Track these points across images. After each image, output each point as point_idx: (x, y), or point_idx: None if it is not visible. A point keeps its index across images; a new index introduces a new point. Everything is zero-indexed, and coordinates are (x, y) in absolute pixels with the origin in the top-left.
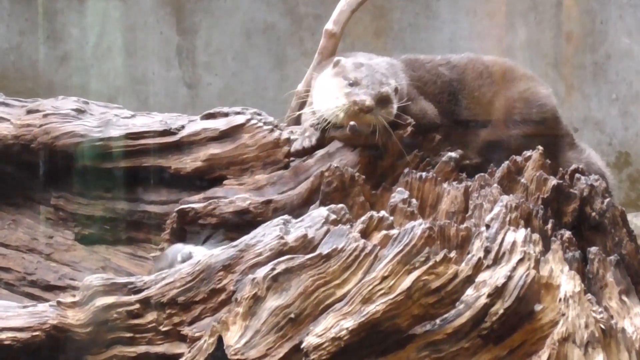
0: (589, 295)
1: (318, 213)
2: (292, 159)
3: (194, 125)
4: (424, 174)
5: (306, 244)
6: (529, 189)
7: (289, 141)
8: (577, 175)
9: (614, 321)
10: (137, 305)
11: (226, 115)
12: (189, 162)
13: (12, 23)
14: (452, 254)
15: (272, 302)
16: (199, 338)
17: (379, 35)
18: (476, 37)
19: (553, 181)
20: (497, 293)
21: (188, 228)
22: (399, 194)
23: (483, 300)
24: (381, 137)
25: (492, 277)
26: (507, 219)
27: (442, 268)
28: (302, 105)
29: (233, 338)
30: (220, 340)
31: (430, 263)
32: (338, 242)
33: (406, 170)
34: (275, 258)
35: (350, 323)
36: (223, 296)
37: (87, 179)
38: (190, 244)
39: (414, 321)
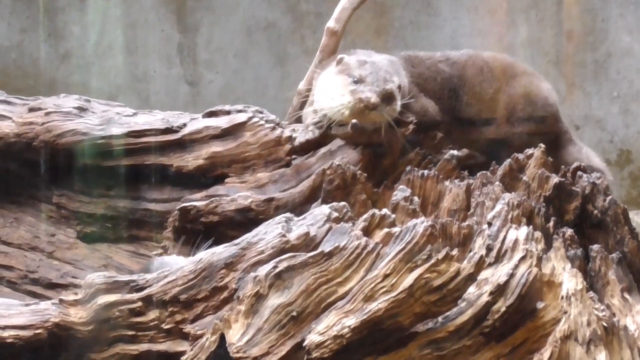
0: (591, 293)
1: (320, 211)
2: (294, 157)
3: (196, 123)
4: (425, 171)
5: (308, 242)
6: (531, 186)
7: (290, 139)
8: (579, 173)
9: (616, 319)
10: (139, 303)
11: (228, 113)
12: (191, 160)
13: (13, 21)
14: (454, 252)
15: (274, 300)
16: (201, 336)
17: (380, 33)
18: (477, 34)
19: (555, 179)
20: (499, 291)
21: (189, 226)
22: (400, 192)
23: (485, 298)
24: (386, 134)
25: (494, 275)
26: (509, 216)
27: (444, 266)
28: (303, 103)
29: (235, 336)
30: (222, 338)
31: (432, 261)
32: (340, 240)
33: (408, 168)
34: (277, 256)
35: (352, 321)
36: (225, 294)
37: (89, 177)
38: (176, 255)
39: (416, 319)
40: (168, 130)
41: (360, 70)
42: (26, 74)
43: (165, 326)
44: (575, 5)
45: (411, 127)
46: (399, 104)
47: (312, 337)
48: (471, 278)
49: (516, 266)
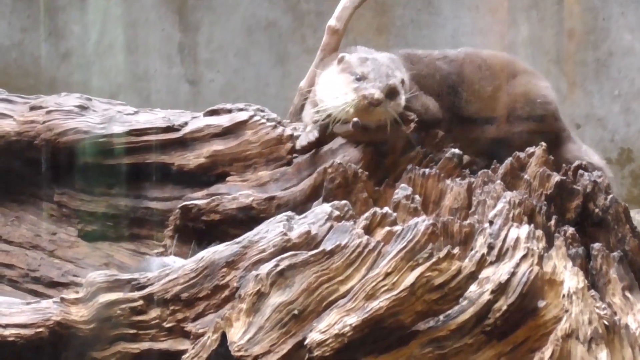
0: (592, 292)
1: (321, 209)
2: (295, 155)
3: (197, 121)
4: (427, 170)
5: (309, 241)
6: (532, 185)
7: (292, 137)
8: (580, 171)
9: (618, 317)
10: (141, 302)
11: (229, 111)
12: (192, 158)
13: (14, 20)
14: (456, 250)
15: (276, 299)
16: (202, 334)
17: (381, 31)
18: (478, 33)
19: (556, 177)
20: (501, 289)
21: (191, 225)
22: (402, 190)
23: (486, 296)
24: (392, 129)
25: (496, 274)
26: (511, 215)
27: (445, 264)
28: (305, 102)
29: (237, 334)
30: (223, 336)
31: (434, 259)
32: (341, 238)
33: (409, 166)
34: (278, 254)
35: (353, 319)
36: (226, 292)
37: (90, 175)
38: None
39: (417, 317)
40: (169, 129)
41: (362, 68)
42: (27, 73)
43: (167, 325)
44: (576, 4)
45: (412, 125)
46: (403, 98)
47: (314, 336)
48: (472, 276)
49: (517, 265)
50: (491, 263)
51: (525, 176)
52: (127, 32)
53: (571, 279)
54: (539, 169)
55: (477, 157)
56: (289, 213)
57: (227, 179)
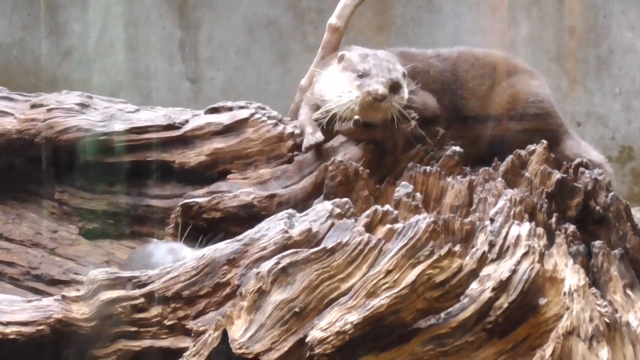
0: (594, 289)
1: (322, 207)
2: (296, 153)
3: (198, 119)
4: (428, 168)
5: (310, 238)
6: (533, 182)
7: (293, 135)
8: (581, 169)
9: (619, 315)
10: (142, 300)
11: (230, 109)
12: (193, 156)
13: (14, 18)
14: (457, 248)
15: (277, 296)
16: (203, 332)
17: (382, 29)
18: (479, 31)
19: (557, 175)
20: (502, 287)
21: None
22: (403, 188)
23: (487, 294)
24: (389, 129)
25: (497, 271)
26: (512, 212)
27: (446, 262)
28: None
29: (238, 332)
30: (225, 334)
31: (435, 257)
32: (342, 236)
33: (410, 164)
34: (279, 252)
35: (354, 317)
36: (228, 290)
37: (91, 173)
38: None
39: (418, 315)
40: (170, 127)
41: (363, 64)
42: (27, 71)
43: (168, 322)
44: (577, 2)
45: (413, 123)
46: (406, 91)
47: (315, 333)
48: (474, 274)
49: (518, 262)
50: (492, 261)
51: (526, 174)
52: (128, 30)
53: (572, 276)
54: (539, 166)
55: (477, 156)
56: (290, 211)
57: (228, 176)
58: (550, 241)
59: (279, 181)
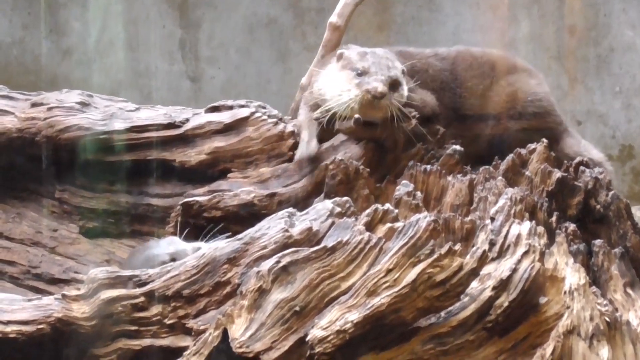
0: (594, 288)
1: (323, 206)
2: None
3: (198, 118)
4: (428, 166)
5: (311, 237)
6: (534, 181)
7: (293, 134)
8: (582, 168)
9: (619, 314)
10: (142, 298)
11: (230, 108)
12: (194, 155)
13: (15, 17)
14: (457, 247)
15: (277, 295)
16: (203, 331)
17: (382, 28)
18: (479, 30)
19: (558, 174)
20: (502, 286)
21: (192, 221)
22: (403, 187)
23: (488, 292)
24: (389, 128)
25: (497, 270)
26: (512, 211)
27: (447, 261)
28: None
29: (238, 331)
30: (225, 333)
31: (435, 256)
32: (343, 234)
33: (411, 163)
34: (280, 251)
35: (355, 316)
36: (228, 289)
37: (91, 172)
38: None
39: (418, 314)
40: (170, 126)
41: (362, 62)
42: (28, 70)
43: (168, 321)
44: (577, 0)
45: (413, 121)
46: (405, 88)
47: (315, 332)
48: (474, 273)
49: (519, 261)
50: (492, 259)
51: (527, 173)
52: (128, 29)
53: (572, 275)
54: (540, 165)
55: (477, 155)
56: (291, 209)
57: (229, 175)
58: (551, 240)
59: (279, 180)
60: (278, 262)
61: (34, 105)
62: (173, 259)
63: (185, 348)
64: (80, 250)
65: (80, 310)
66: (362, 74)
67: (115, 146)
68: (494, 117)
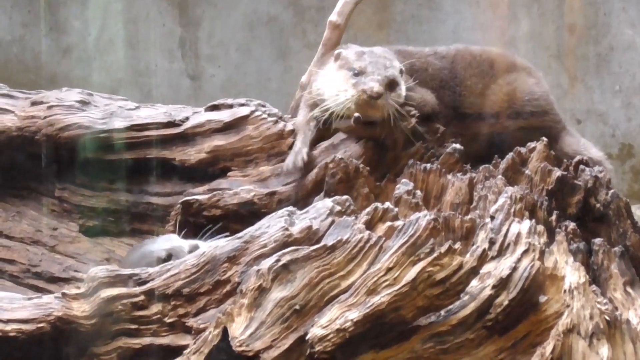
0: (594, 287)
1: (323, 204)
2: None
3: (198, 116)
4: (428, 165)
5: (311, 236)
6: (534, 180)
7: (293, 132)
8: (582, 166)
9: (619, 312)
10: (142, 297)
11: (230, 106)
12: (193, 153)
13: (14, 15)
14: (457, 246)
15: (277, 294)
16: (203, 329)
17: (382, 27)
18: (479, 28)
19: (557, 172)
20: (502, 284)
21: (192, 220)
22: (403, 186)
23: (488, 291)
24: (389, 126)
25: (497, 269)
26: (512, 210)
27: (446, 259)
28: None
29: (238, 329)
30: (225, 331)
31: (435, 254)
32: (343, 233)
33: (410, 161)
34: (280, 249)
35: (355, 314)
36: (228, 287)
37: (91, 170)
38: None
39: (418, 312)
40: (170, 124)
41: (359, 62)
42: (27, 69)
43: (168, 320)
44: None
45: (413, 120)
46: (403, 88)
47: (315, 331)
48: (474, 271)
49: (519, 260)
50: (492, 258)
51: (527, 171)
52: (128, 27)
53: (572, 274)
54: (540, 164)
55: (477, 153)
56: (291, 208)
57: (229, 174)
58: (551, 239)
59: (279, 178)
60: (278, 260)
61: (33, 103)
62: (169, 255)
63: (185, 347)
64: (80, 249)
65: (81, 308)
66: (359, 73)
67: (115, 145)
68: (494, 115)
